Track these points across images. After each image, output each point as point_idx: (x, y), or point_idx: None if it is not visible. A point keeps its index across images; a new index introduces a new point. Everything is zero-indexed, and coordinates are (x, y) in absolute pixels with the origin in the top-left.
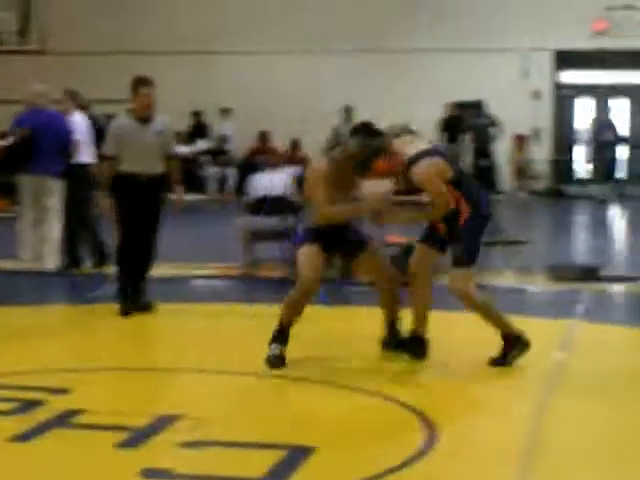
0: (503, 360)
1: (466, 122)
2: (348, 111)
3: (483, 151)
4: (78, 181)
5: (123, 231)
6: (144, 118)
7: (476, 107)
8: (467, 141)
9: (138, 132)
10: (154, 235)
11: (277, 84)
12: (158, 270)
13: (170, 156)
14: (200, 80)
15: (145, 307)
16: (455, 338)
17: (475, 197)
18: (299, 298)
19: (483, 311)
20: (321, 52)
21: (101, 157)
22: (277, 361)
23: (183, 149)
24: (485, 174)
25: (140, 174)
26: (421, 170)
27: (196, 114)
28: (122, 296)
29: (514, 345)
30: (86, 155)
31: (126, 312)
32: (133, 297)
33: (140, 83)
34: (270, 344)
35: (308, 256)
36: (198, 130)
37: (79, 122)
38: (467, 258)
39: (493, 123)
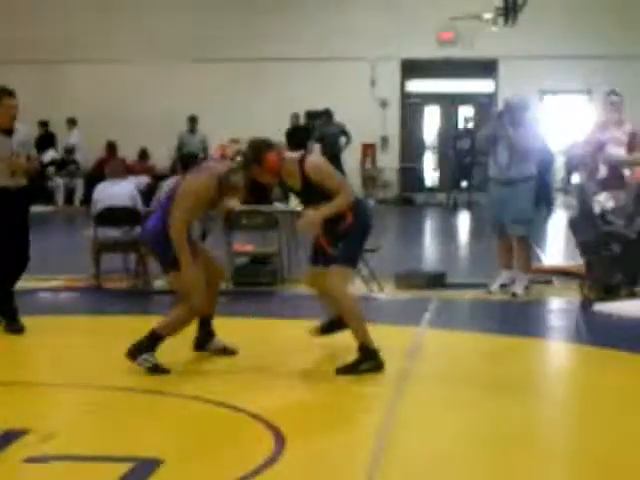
0: (351, 369)
1: (316, 131)
2: (193, 121)
3: (332, 160)
4: None
5: None
6: (7, 129)
7: (325, 116)
8: (316, 150)
9: (4, 144)
10: (26, 248)
11: (124, 93)
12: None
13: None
14: (47, 90)
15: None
16: (306, 346)
17: (358, 205)
18: (189, 319)
19: (350, 316)
20: (167, 62)
21: None
22: (159, 368)
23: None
24: None
25: (9, 187)
26: (316, 162)
27: (43, 124)
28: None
29: (368, 358)
30: None
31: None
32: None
33: (4, 94)
34: (142, 353)
35: (198, 280)
36: (45, 140)
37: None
38: (348, 258)
39: (343, 131)
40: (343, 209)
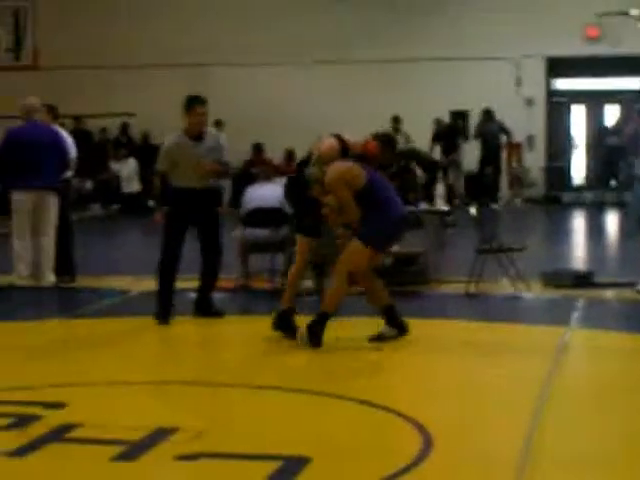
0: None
1: (477, 129)
2: (396, 121)
3: (491, 158)
4: (62, 196)
5: (167, 244)
6: (197, 135)
7: (485, 114)
8: (462, 151)
9: (191, 149)
10: (216, 248)
11: (268, 95)
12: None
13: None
14: (187, 92)
15: (217, 313)
16: (452, 345)
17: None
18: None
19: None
20: (309, 63)
21: (154, 172)
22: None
23: None
24: (489, 182)
25: (192, 188)
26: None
27: None
28: (159, 307)
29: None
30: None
31: (163, 320)
32: (202, 306)
33: (195, 101)
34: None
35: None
36: None
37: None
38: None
39: (502, 129)
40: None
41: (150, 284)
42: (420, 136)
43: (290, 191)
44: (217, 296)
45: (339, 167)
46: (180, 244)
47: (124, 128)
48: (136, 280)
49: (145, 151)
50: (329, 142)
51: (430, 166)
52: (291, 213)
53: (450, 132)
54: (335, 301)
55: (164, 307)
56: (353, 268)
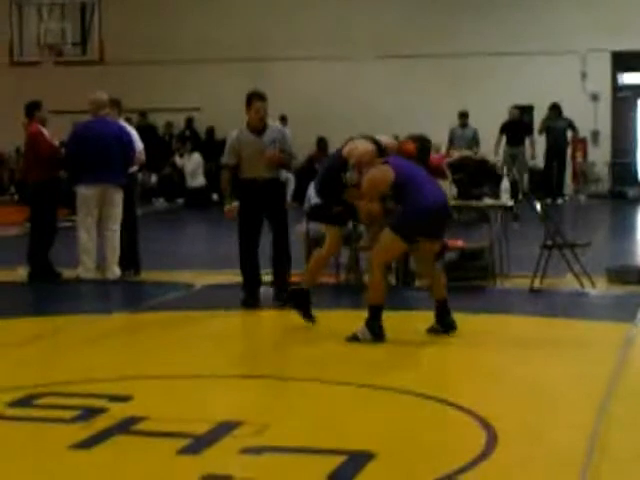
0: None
1: (543, 123)
2: (464, 116)
3: (556, 154)
4: (128, 190)
5: (243, 234)
6: (258, 129)
7: (553, 109)
8: (528, 146)
9: (253, 142)
10: (284, 235)
11: (332, 90)
12: (224, 276)
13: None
14: (253, 86)
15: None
16: (518, 342)
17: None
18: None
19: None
20: (371, 58)
21: (222, 166)
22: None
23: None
24: (553, 176)
25: (258, 178)
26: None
27: None
28: (245, 294)
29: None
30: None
31: (250, 305)
32: (278, 295)
33: (255, 97)
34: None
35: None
36: None
37: (130, 131)
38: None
39: (570, 125)
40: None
41: (214, 278)
42: (484, 131)
43: (323, 185)
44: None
45: (376, 178)
46: (256, 234)
47: (189, 122)
48: (200, 274)
49: (210, 146)
50: (364, 147)
51: (480, 170)
52: (315, 205)
53: (516, 125)
54: (378, 293)
55: (250, 293)
56: (385, 257)
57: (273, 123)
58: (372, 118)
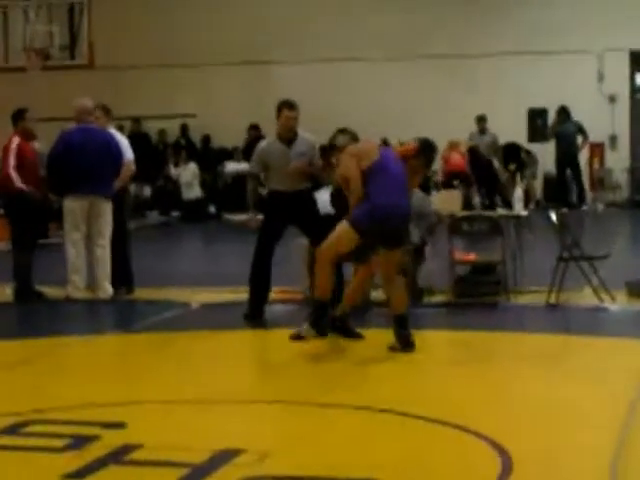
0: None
1: (552, 129)
2: (482, 120)
3: (567, 160)
4: (118, 203)
5: (261, 246)
6: (287, 139)
7: (561, 113)
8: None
9: (282, 153)
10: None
11: (342, 95)
12: (223, 294)
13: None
14: (252, 91)
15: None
16: (532, 360)
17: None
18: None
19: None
20: (381, 59)
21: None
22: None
23: (234, 166)
24: (566, 184)
25: (285, 191)
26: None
27: (254, 128)
28: (250, 308)
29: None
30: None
31: (254, 320)
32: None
33: (284, 106)
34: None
35: None
36: (255, 145)
37: (120, 139)
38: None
39: (580, 130)
40: None
41: (212, 296)
42: (501, 133)
43: (335, 199)
44: (285, 309)
45: (363, 144)
46: (273, 247)
47: (184, 130)
48: (197, 292)
49: (206, 155)
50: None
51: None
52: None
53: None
54: (323, 288)
55: (256, 309)
56: (335, 249)
57: (304, 134)
58: (383, 122)
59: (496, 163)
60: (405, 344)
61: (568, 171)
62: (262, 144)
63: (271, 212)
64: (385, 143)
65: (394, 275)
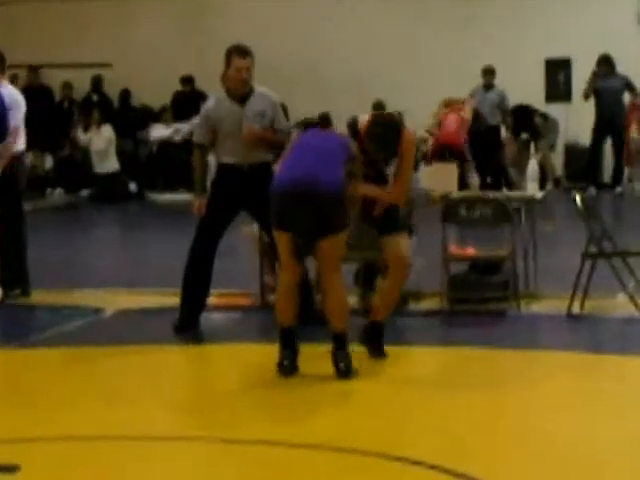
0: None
1: (591, 84)
2: (488, 73)
3: (611, 125)
4: (8, 178)
5: (202, 233)
6: (240, 96)
7: (604, 64)
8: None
9: (233, 114)
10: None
11: (293, 36)
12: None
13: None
14: (184, 34)
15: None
16: (545, 387)
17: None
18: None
19: (399, 288)
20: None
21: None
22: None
23: (161, 131)
24: (602, 157)
25: (238, 165)
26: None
27: (186, 81)
28: (181, 318)
29: (382, 334)
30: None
31: (186, 332)
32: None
33: (235, 53)
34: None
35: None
36: (188, 103)
37: (10, 96)
38: (409, 227)
39: (628, 85)
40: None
41: (132, 299)
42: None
43: None
44: (229, 316)
45: None
46: (217, 238)
47: (96, 83)
48: (113, 295)
49: (124, 115)
50: None
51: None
52: None
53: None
54: (278, 310)
55: (189, 318)
56: (280, 257)
57: (261, 88)
58: (365, 77)
59: (503, 132)
60: (343, 373)
61: (607, 140)
62: (208, 103)
63: (218, 193)
64: (380, 106)
65: (331, 272)
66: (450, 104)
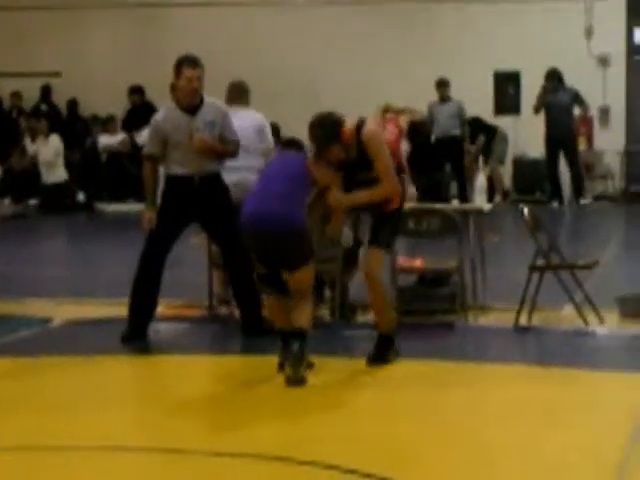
0: (383, 359)
1: (541, 98)
2: (442, 85)
3: (563, 139)
4: None
5: (152, 244)
6: (190, 107)
7: (552, 78)
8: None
9: (184, 125)
10: (235, 251)
11: (254, 46)
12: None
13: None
14: (133, 43)
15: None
16: (493, 400)
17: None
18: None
19: (382, 301)
20: (306, 4)
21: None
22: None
23: (108, 139)
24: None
25: (188, 176)
26: (374, 131)
27: (136, 91)
28: (129, 328)
29: (391, 346)
30: None
31: (134, 342)
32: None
33: (185, 63)
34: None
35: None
36: (137, 114)
37: None
38: (388, 242)
39: (576, 98)
40: (383, 199)
41: (81, 309)
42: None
43: None
44: (174, 328)
45: None
46: (166, 249)
47: (45, 93)
48: (61, 304)
49: (73, 125)
50: None
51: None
52: None
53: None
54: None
55: (136, 329)
56: None
57: (210, 99)
58: (311, 86)
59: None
60: (293, 381)
61: (559, 154)
62: (158, 115)
63: (168, 204)
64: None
65: (301, 297)
66: (388, 110)
